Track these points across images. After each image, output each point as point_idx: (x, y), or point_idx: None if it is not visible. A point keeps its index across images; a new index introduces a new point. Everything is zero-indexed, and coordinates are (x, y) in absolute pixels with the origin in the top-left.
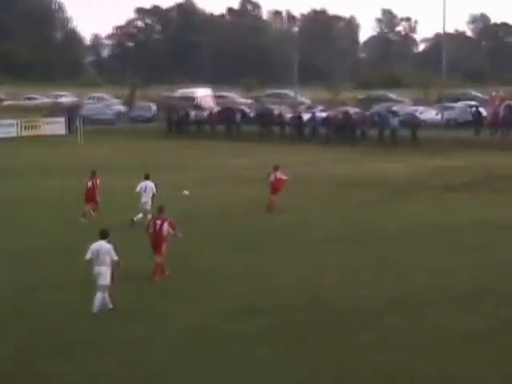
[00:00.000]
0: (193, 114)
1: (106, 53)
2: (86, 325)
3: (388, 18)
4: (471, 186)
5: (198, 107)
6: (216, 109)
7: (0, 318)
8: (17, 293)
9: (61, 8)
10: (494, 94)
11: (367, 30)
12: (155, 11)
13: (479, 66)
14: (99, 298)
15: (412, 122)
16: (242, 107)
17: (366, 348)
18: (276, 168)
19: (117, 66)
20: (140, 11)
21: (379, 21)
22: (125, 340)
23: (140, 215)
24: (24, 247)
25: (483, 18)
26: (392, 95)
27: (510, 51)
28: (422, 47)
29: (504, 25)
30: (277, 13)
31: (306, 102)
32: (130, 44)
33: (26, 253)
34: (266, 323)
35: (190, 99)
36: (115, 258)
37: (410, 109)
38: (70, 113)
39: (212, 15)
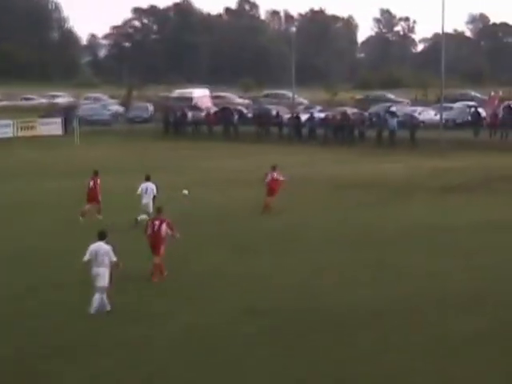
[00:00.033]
0: (190, 114)
1: (102, 53)
2: (86, 325)
3: (386, 18)
4: (469, 187)
5: (196, 108)
6: (213, 109)
7: (0, 317)
8: (16, 293)
9: (57, 8)
10: (492, 93)
11: (365, 30)
12: (152, 11)
13: (478, 66)
14: (97, 299)
15: (410, 123)
16: (240, 108)
17: (365, 348)
18: (273, 168)
19: (114, 67)
20: (137, 11)
21: (377, 21)
22: (124, 340)
23: (144, 216)
24: (22, 248)
25: (482, 18)
26: (390, 95)
27: (509, 51)
28: (420, 47)
29: (503, 25)
30: (274, 13)
31: (303, 103)
32: (127, 44)
33: (25, 253)
34: (265, 323)
35: (187, 99)
36: (114, 258)
37: (409, 109)
38: (67, 113)
39: (209, 15)
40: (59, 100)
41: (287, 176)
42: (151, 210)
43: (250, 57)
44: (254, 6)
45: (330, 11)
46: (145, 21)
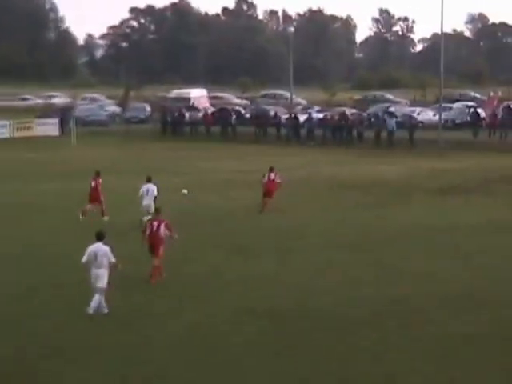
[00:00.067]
0: (187, 115)
1: (99, 53)
2: (86, 326)
3: (385, 18)
4: (468, 187)
5: (193, 108)
6: (211, 110)
7: (0, 318)
8: (16, 293)
9: (54, 8)
10: (492, 94)
11: (364, 30)
12: (149, 11)
13: (477, 66)
14: (97, 300)
15: (409, 123)
16: (238, 108)
17: (367, 348)
18: (271, 169)
19: (111, 67)
20: (134, 11)
21: (376, 21)
22: (124, 340)
23: (149, 217)
24: (20, 248)
25: (481, 18)
26: (389, 96)
27: (508, 51)
28: (419, 47)
29: (503, 25)
30: (272, 12)
31: (302, 103)
32: (124, 44)
33: (23, 254)
34: (266, 323)
35: (185, 100)
36: (113, 259)
37: (408, 110)
38: (64, 114)
39: (207, 15)
40: (56, 100)
41: (285, 177)
42: (153, 210)
43: (248, 57)
44: (252, 6)
45: (328, 11)
46: (142, 21)
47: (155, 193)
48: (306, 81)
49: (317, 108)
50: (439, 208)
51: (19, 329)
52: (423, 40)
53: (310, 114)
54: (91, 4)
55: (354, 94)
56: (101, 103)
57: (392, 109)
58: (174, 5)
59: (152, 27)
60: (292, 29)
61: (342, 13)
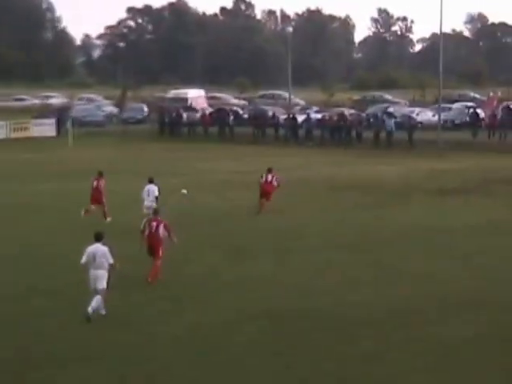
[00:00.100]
0: (185, 115)
1: (96, 53)
2: (84, 326)
3: (384, 18)
4: (467, 188)
5: (191, 108)
6: (209, 110)
7: None
8: (14, 294)
9: (50, 8)
10: (491, 94)
11: (363, 30)
12: (147, 11)
13: (477, 66)
14: (98, 300)
15: (408, 124)
16: (236, 108)
17: (367, 348)
18: (269, 171)
19: (108, 67)
20: (131, 11)
21: (375, 20)
22: (127, 339)
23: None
24: (17, 249)
25: (481, 18)
26: (388, 96)
27: (508, 51)
28: (418, 47)
29: (502, 25)
30: (270, 12)
31: (300, 103)
32: (122, 44)
33: (18, 256)
34: (267, 323)
35: (183, 100)
36: (111, 260)
37: (407, 110)
38: (60, 114)
39: (205, 15)
40: (53, 101)
41: (283, 178)
42: None
43: (246, 57)
44: (250, 6)
45: (326, 11)
46: (139, 21)
47: (156, 193)
48: (304, 81)
49: (315, 108)
50: (438, 208)
51: (18, 329)
52: (422, 40)
53: (308, 115)
54: (88, 4)
55: (353, 95)
56: (98, 103)
57: (391, 109)
58: (171, 4)
59: (149, 27)
60: (290, 29)
61: (340, 13)
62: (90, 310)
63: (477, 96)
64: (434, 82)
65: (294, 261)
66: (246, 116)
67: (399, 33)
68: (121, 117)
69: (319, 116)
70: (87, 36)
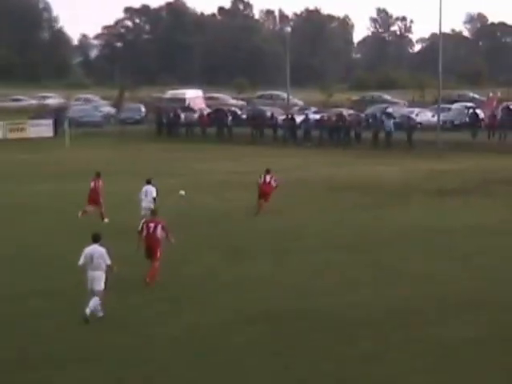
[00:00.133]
0: (183, 115)
1: (94, 53)
2: (82, 328)
3: (383, 18)
4: (467, 189)
5: (189, 109)
6: (207, 110)
7: None
8: (10, 294)
9: (47, 8)
10: (491, 94)
11: (362, 30)
12: (144, 11)
13: (476, 66)
14: (95, 301)
15: (407, 124)
16: (234, 109)
17: (366, 348)
18: (267, 171)
19: (105, 67)
20: (129, 11)
21: (374, 20)
22: (120, 343)
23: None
24: (14, 250)
25: (480, 18)
26: (387, 96)
27: (507, 51)
28: (417, 47)
29: (502, 24)
30: (269, 12)
31: (298, 104)
32: (119, 44)
33: (14, 256)
34: (266, 323)
35: (180, 101)
36: (108, 262)
37: (406, 110)
38: (57, 115)
39: (203, 15)
40: (49, 101)
41: (282, 179)
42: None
43: (244, 57)
44: (248, 6)
45: (325, 11)
46: (137, 21)
47: (154, 194)
48: (302, 81)
49: (314, 109)
50: (438, 209)
51: (15, 330)
52: (421, 40)
53: (306, 115)
54: (85, 4)
55: (352, 95)
56: (95, 104)
57: (390, 110)
58: (169, 4)
59: (147, 27)
60: (289, 29)
61: (339, 12)
62: (87, 311)
63: (476, 96)
64: (434, 83)
65: (292, 261)
66: (244, 116)
67: (398, 33)
68: (118, 117)
69: (318, 116)
70: (84, 36)
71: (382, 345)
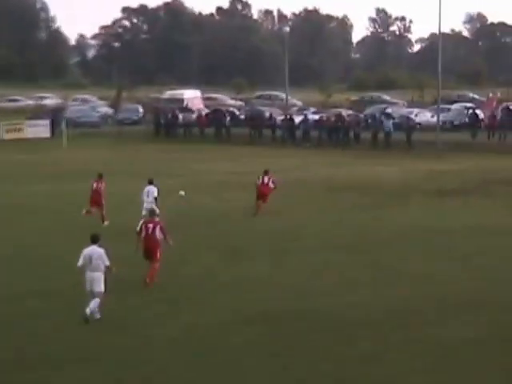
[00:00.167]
0: (181, 116)
1: (91, 53)
2: (80, 329)
3: (382, 18)
4: (466, 189)
5: (187, 109)
6: (205, 111)
7: None
8: (8, 295)
9: (45, 8)
10: (491, 94)
11: (361, 30)
12: (142, 10)
13: (476, 66)
14: (96, 302)
15: (406, 125)
16: (232, 109)
17: (365, 348)
18: (266, 172)
19: (103, 67)
20: (126, 10)
21: (373, 20)
22: (119, 344)
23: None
24: (11, 250)
25: (480, 18)
26: (386, 97)
27: (507, 51)
28: (417, 47)
29: (501, 24)
30: (267, 12)
31: (297, 104)
32: (117, 44)
33: (15, 255)
34: (264, 324)
35: (178, 101)
36: (107, 263)
37: (405, 111)
38: (55, 115)
39: (201, 14)
40: (47, 101)
41: (280, 179)
42: (158, 211)
43: (243, 57)
44: (247, 6)
45: (324, 10)
46: (134, 20)
47: (155, 194)
48: (301, 81)
49: (313, 109)
50: (437, 209)
51: (12, 330)
52: (421, 40)
53: (305, 116)
54: (83, 3)
55: (351, 95)
56: (92, 104)
57: (389, 110)
58: (167, 4)
59: (145, 27)
60: (287, 28)
61: (338, 12)
62: (87, 311)
63: (476, 97)
64: (433, 83)
65: (291, 262)
66: (242, 117)
67: (397, 33)
68: (116, 118)
69: (317, 117)
70: (82, 36)
71: (382, 345)
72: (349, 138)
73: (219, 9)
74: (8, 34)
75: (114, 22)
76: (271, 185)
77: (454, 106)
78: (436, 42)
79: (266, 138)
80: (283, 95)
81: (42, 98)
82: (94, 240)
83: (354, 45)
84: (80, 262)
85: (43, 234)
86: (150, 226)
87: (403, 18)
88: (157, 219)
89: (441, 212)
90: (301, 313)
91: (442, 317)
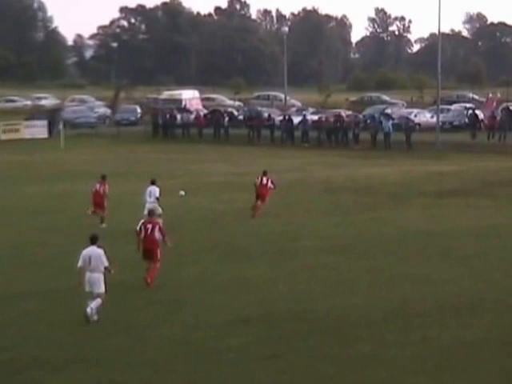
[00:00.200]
0: (179, 116)
1: (89, 53)
2: (78, 330)
3: (381, 18)
4: (466, 190)
5: (185, 110)
6: (203, 111)
7: None
8: (5, 295)
9: (42, 8)
10: (490, 95)
11: (360, 30)
12: (140, 10)
13: (475, 66)
14: (98, 302)
15: (406, 125)
16: (230, 110)
17: (365, 351)
18: (264, 173)
19: (100, 67)
20: (124, 10)
21: (372, 20)
22: (117, 346)
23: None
24: (8, 251)
25: (480, 18)
26: (385, 97)
27: (507, 51)
28: (416, 48)
29: (501, 24)
30: (266, 12)
31: (296, 105)
32: (114, 44)
33: (12, 257)
34: (263, 325)
35: (177, 101)
36: (106, 263)
37: (404, 111)
38: (52, 116)
39: (199, 14)
40: (44, 102)
41: (279, 180)
42: (160, 210)
43: (241, 57)
44: (245, 6)
45: (323, 10)
46: (132, 20)
47: (157, 194)
48: (300, 82)
49: (311, 110)
50: (437, 211)
51: (8, 332)
52: (420, 40)
53: (304, 116)
54: (80, 4)
55: (350, 96)
56: (90, 105)
57: (388, 110)
58: (165, 4)
59: (143, 27)
60: (286, 29)
61: (337, 12)
62: (88, 310)
63: (476, 97)
64: (433, 83)
65: (290, 263)
66: (241, 117)
67: (397, 33)
68: (113, 118)
69: (316, 117)
70: (79, 36)
71: (381, 347)
72: (348, 138)
73: (217, 9)
74: (5, 34)
75: (112, 22)
76: (270, 185)
77: (454, 107)
78: (435, 42)
79: (265, 138)
80: (282, 95)
81: (39, 98)
82: (93, 240)
83: (353, 45)
84: (79, 263)
85: (40, 234)
86: (149, 226)
87: (403, 18)
88: (157, 219)
89: (440, 213)
90: (300, 314)
91: (441, 319)
